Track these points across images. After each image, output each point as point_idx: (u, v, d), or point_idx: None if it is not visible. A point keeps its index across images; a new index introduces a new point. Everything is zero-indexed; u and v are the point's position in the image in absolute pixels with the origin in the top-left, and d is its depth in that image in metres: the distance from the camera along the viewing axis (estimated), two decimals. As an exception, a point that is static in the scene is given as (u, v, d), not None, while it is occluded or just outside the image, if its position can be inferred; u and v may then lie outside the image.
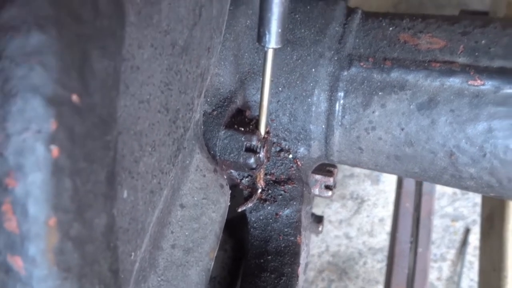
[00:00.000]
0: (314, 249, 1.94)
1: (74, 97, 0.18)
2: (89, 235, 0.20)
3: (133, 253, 0.29)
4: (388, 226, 1.92)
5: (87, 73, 0.18)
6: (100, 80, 0.19)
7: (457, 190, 1.90)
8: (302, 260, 0.54)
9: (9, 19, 0.16)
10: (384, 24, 0.53)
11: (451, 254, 1.87)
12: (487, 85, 0.47)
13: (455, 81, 0.48)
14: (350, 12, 0.55)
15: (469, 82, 0.47)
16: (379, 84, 0.50)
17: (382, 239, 1.91)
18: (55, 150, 0.17)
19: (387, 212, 1.94)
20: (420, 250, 1.36)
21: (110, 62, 0.19)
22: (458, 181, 0.53)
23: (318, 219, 0.84)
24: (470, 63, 0.48)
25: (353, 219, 1.95)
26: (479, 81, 0.47)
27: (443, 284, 1.85)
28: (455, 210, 1.90)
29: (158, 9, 0.26)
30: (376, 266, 1.90)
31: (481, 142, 0.48)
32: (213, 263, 0.42)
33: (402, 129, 0.50)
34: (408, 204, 1.45)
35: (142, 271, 0.34)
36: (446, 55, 0.49)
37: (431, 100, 0.49)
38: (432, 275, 1.83)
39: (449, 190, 1.91)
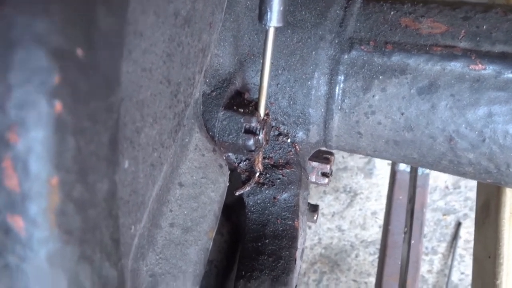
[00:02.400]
0: (307, 241, 1.95)
1: (79, 51, 0.17)
2: (91, 199, 0.20)
3: (133, 227, 0.28)
4: (380, 220, 1.93)
5: (92, 28, 0.17)
6: (104, 37, 0.18)
7: (449, 185, 1.92)
8: (300, 244, 0.54)
9: None
10: (385, 8, 0.52)
11: (442, 247, 1.89)
12: (488, 69, 0.46)
13: (456, 66, 0.47)
14: (351, -5, 0.55)
15: (470, 67, 0.47)
16: (379, 68, 0.50)
17: (374, 232, 1.93)
18: (58, 105, 0.17)
19: (380, 205, 1.95)
20: (412, 242, 1.37)
21: (114, 21, 0.18)
22: (456, 167, 0.53)
23: (313, 208, 0.84)
24: (472, 48, 0.48)
25: (345, 212, 1.95)
26: (480, 65, 0.47)
27: (433, 276, 1.87)
28: (446, 204, 1.92)
29: None
30: (368, 258, 1.91)
31: (481, 127, 0.48)
32: (211, 242, 0.41)
33: (402, 114, 0.50)
34: (401, 197, 1.46)
35: (140, 248, 0.33)
36: (448, 39, 0.48)
37: (431, 84, 0.48)
38: (423, 268, 1.85)
39: (441, 184, 1.93)
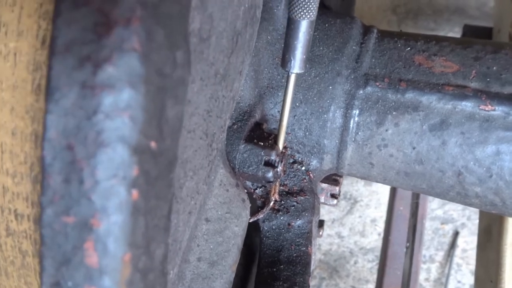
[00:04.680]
0: (307, 247, 1.97)
1: (153, 144, 0.19)
2: (151, 265, 0.22)
3: (171, 272, 0.31)
4: (379, 227, 1.96)
5: (163, 121, 0.19)
6: (171, 125, 0.20)
7: (448, 194, 1.94)
8: (312, 270, 0.56)
9: (106, 78, 0.17)
10: (399, 45, 0.55)
11: (440, 256, 1.92)
12: (497, 110, 0.49)
13: (467, 105, 0.50)
14: (366, 31, 0.57)
15: (480, 107, 0.49)
16: (393, 104, 0.52)
17: (373, 239, 1.95)
18: (135, 193, 0.19)
19: (379, 213, 1.97)
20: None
21: (179, 108, 0.21)
22: (463, 199, 0.55)
23: (320, 223, 0.86)
24: (482, 88, 0.50)
25: (345, 219, 1.98)
26: (490, 106, 0.49)
27: (431, 285, 1.90)
28: (445, 213, 1.95)
29: (208, 44, 0.28)
30: (367, 265, 1.93)
31: (489, 164, 0.50)
32: (234, 275, 0.44)
33: (414, 148, 0.52)
34: (402, 208, 1.49)
35: (172, 284, 0.35)
36: (459, 79, 0.51)
37: (443, 122, 0.51)
38: (421, 276, 1.88)
39: (440, 193, 1.95)
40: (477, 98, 0.49)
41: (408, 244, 1.23)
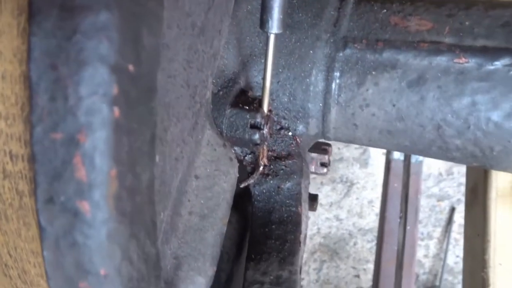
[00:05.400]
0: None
1: (130, 67, 0.21)
2: (138, 187, 0.24)
3: (162, 213, 0.33)
4: (376, 208, 1.99)
5: (139, 47, 0.21)
6: (147, 54, 0.22)
7: (443, 171, 1.97)
8: (303, 229, 0.58)
9: (83, 0, 0.19)
10: (375, 8, 0.57)
11: (438, 232, 1.95)
12: (471, 62, 0.51)
13: (442, 60, 0.52)
14: (344, -4, 0.59)
15: (454, 60, 0.51)
16: (372, 64, 0.54)
17: (371, 220, 1.98)
18: (116, 110, 0.21)
19: (376, 194, 2.00)
20: (408, 227, 1.43)
21: (154, 39, 0.23)
22: (445, 153, 0.57)
23: (313, 197, 0.89)
24: (456, 43, 0.52)
25: (343, 201, 2.01)
26: (463, 59, 0.51)
27: (430, 261, 1.93)
28: (440, 190, 1.97)
29: None
30: (366, 246, 1.96)
31: (466, 115, 0.52)
32: (225, 228, 0.46)
33: (394, 105, 0.55)
34: (396, 184, 1.51)
35: (165, 233, 0.37)
36: (434, 35, 0.53)
37: (420, 77, 0.53)
38: (420, 253, 1.91)
39: (435, 171, 1.98)
40: (451, 52, 0.51)
41: (401, 215, 1.25)
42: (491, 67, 0.50)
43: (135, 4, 0.21)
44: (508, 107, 0.51)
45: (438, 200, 1.97)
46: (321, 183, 2.03)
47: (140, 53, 0.22)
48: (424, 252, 1.94)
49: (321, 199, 2.02)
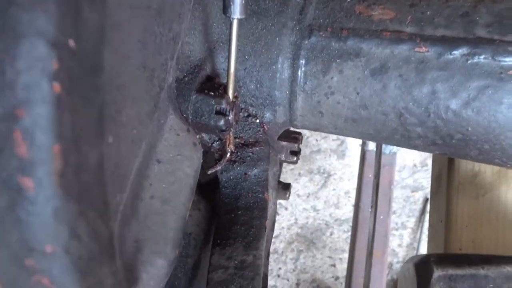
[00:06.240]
0: (284, 222, 2.02)
1: (71, 42, 0.21)
2: (85, 165, 0.24)
3: (118, 195, 0.33)
4: (353, 198, 2.02)
5: (80, 22, 0.21)
6: (90, 30, 0.22)
7: (417, 163, 2.01)
8: (270, 215, 0.59)
9: None
10: (341, -4, 0.57)
11: (411, 222, 1.99)
12: (430, 51, 0.52)
13: (403, 48, 0.53)
14: (311, -15, 0.59)
15: (415, 49, 0.52)
16: (336, 52, 0.55)
17: (347, 210, 2.01)
18: (57, 86, 0.21)
19: (352, 185, 2.03)
20: (381, 217, 1.46)
21: (97, 15, 0.23)
22: (408, 141, 0.59)
23: (286, 186, 0.90)
24: (417, 32, 0.53)
25: (320, 192, 2.03)
26: (424, 48, 0.52)
27: (403, 250, 1.97)
28: (415, 182, 2.02)
29: None
30: (342, 236, 2.00)
31: (426, 104, 0.54)
32: (188, 212, 0.46)
33: (358, 93, 0.56)
34: (370, 175, 1.54)
35: (125, 216, 0.38)
36: (396, 25, 0.54)
37: (382, 66, 0.54)
38: (394, 242, 1.95)
39: (409, 162, 2.03)
40: (412, 41, 0.53)
41: (372, 204, 1.28)
42: (450, 57, 0.52)
43: None
44: (466, 95, 0.52)
45: (412, 191, 2.02)
46: (299, 174, 2.06)
47: (81, 28, 0.22)
48: (398, 242, 1.98)
49: (299, 190, 2.05)
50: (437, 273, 0.52)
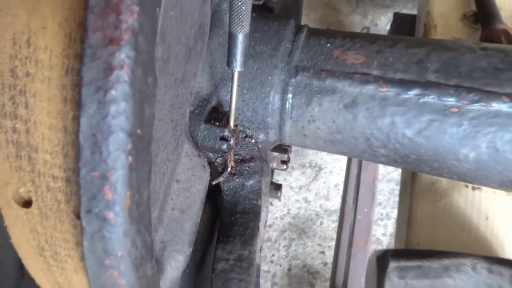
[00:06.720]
0: (277, 212, 2.17)
1: (139, 131, 0.34)
2: (141, 201, 0.37)
3: (154, 212, 0.46)
4: (342, 191, 2.17)
5: (144, 117, 0.34)
6: (148, 119, 0.35)
7: (402, 158, 2.15)
8: (263, 217, 0.73)
9: (112, 96, 0.32)
10: (322, 42, 0.70)
11: (395, 213, 2.14)
12: (391, 91, 0.65)
13: (369, 88, 0.66)
14: (298, 30, 0.72)
15: (379, 89, 0.66)
16: (317, 89, 0.68)
17: (336, 202, 2.16)
18: (130, 159, 0.34)
19: (342, 178, 2.17)
20: (365, 210, 1.60)
21: (152, 109, 0.36)
22: (375, 158, 0.73)
23: (277, 187, 1.04)
24: (380, 75, 0.66)
25: (311, 185, 2.18)
26: (386, 88, 0.66)
27: (387, 239, 2.13)
28: (399, 176, 2.16)
29: (168, 63, 0.42)
30: (331, 225, 2.15)
31: (387, 132, 0.67)
32: (200, 219, 0.60)
33: (334, 122, 0.69)
34: (356, 171, 1.68)
35: (155, 225, 0.52)
36: (365, 68, 0.67)
37: (353, 101, 0.67)
38: (379, 232, 2.11)
39: (395, 158, 2.15)
40: (377, 83, 0.66)
41: (353, 201, 1.43)
42: (406, 96, 0.65)
43: (141, 94, 0.34)
44: (418, 126, 0.66)
45: (397, 184, 2.16)
46: (292, 168, 2.20)
47: (144, 121, 0.35)
48: (382, 231, 2.14)
49: (291, 182, 2.19)
50: (392, 264, 0.67)
